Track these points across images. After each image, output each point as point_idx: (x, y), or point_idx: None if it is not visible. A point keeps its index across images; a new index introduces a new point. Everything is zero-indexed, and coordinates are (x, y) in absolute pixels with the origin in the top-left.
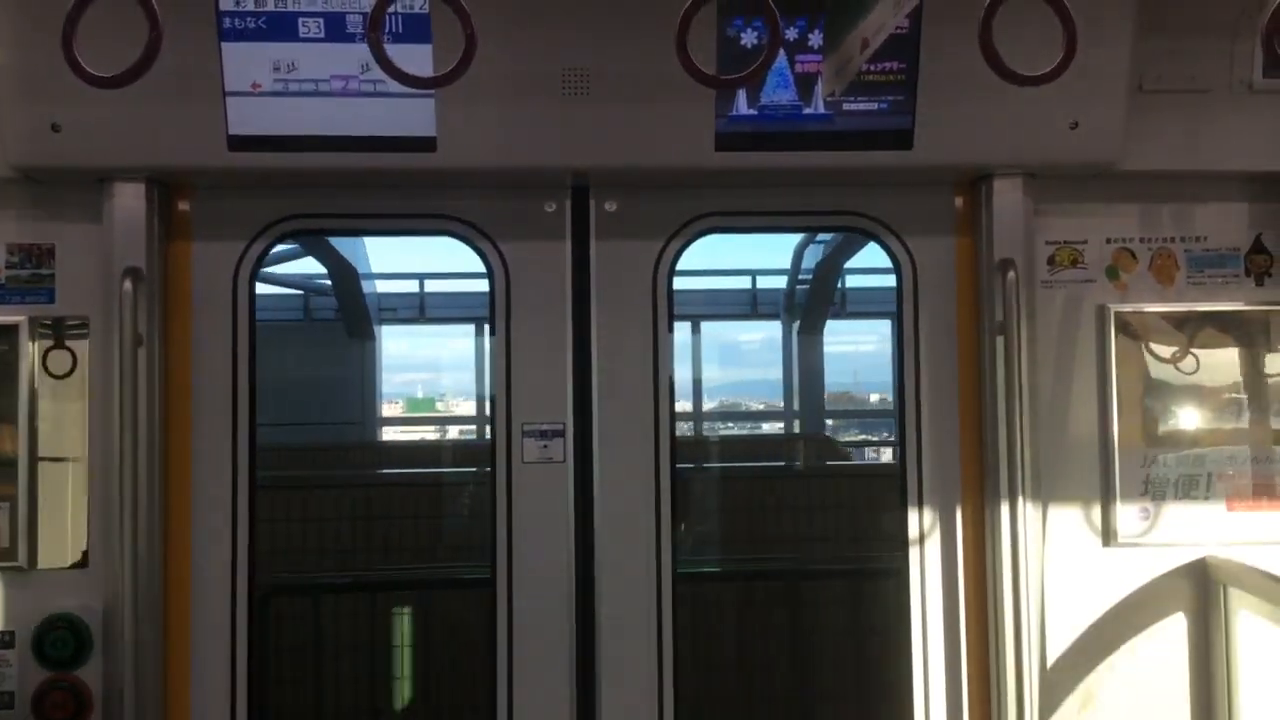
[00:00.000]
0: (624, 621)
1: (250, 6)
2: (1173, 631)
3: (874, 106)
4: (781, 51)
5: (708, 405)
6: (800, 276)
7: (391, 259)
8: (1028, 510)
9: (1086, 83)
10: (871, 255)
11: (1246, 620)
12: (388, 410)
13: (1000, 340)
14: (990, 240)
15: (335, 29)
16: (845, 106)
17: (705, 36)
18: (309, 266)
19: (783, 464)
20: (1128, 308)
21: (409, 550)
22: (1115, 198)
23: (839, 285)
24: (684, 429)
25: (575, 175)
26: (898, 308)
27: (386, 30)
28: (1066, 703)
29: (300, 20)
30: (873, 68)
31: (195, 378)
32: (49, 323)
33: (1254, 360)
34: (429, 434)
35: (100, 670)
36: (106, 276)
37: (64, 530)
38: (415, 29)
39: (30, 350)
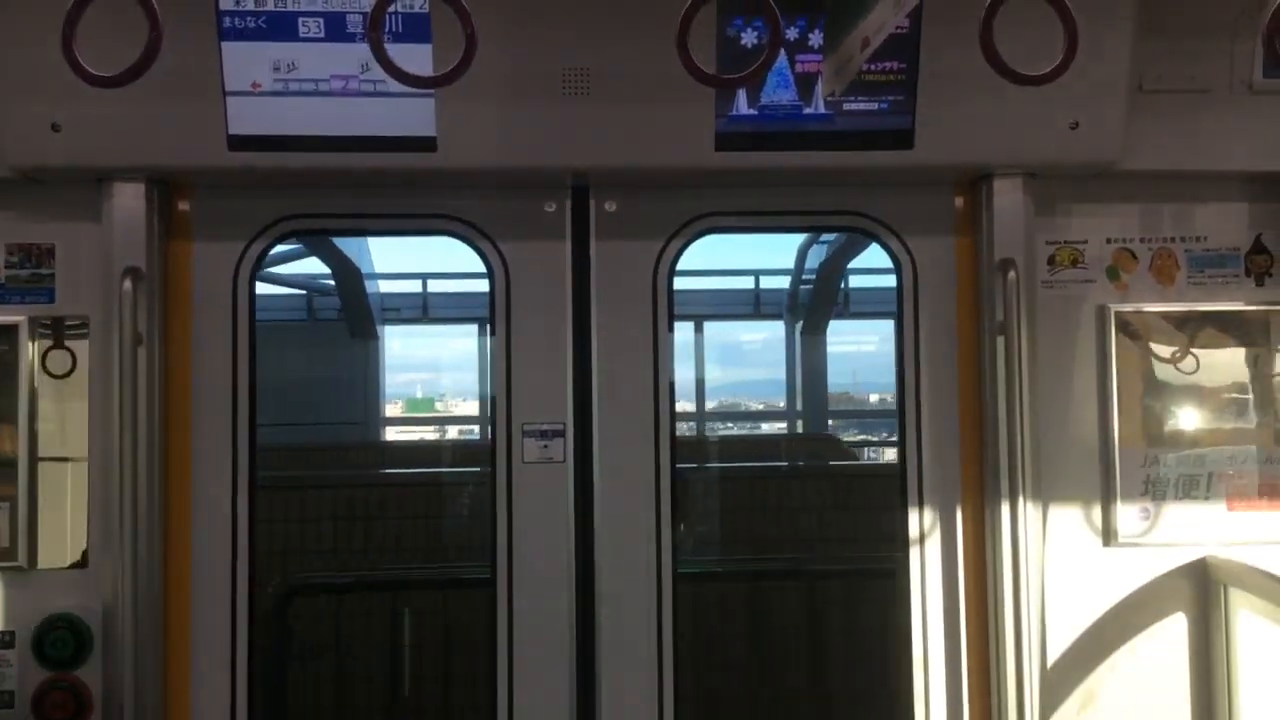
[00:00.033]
0: (624, 621)
1: (250, 6)
2: (1173, 631)
3: (874, 106)
4: (782, 51)
5: (711, 405)
6: (804, 276)
7: (395, 259)
8: (1028, 510)
9: (1087, 83)
10: (875, 255)
11: (1247, 620)
12: (391, 411)
13: (1000, 340)
14: (991, 240)
15: (335, 29)
16: (845, 106)
17: (705, 36)
18: (312, 267)
19: (789, 464)
20: (1128, 308)
21: (424, 550)
22: (1115, 198)
23: (842, 285)
24: (687, 429)
25: (575, 175)
26: (898, 308)
27: (386, 30)
28: (1067, 702)
29: (300, 20)
30: (873, 67)
31: (195, 377)
32: (49, 322)
33: (1254, 360)
34: (430, 434)
35: (100, 670)
36: (106, 276)
37: (64, 530)
38: (415, 28)
39: (30, 350)
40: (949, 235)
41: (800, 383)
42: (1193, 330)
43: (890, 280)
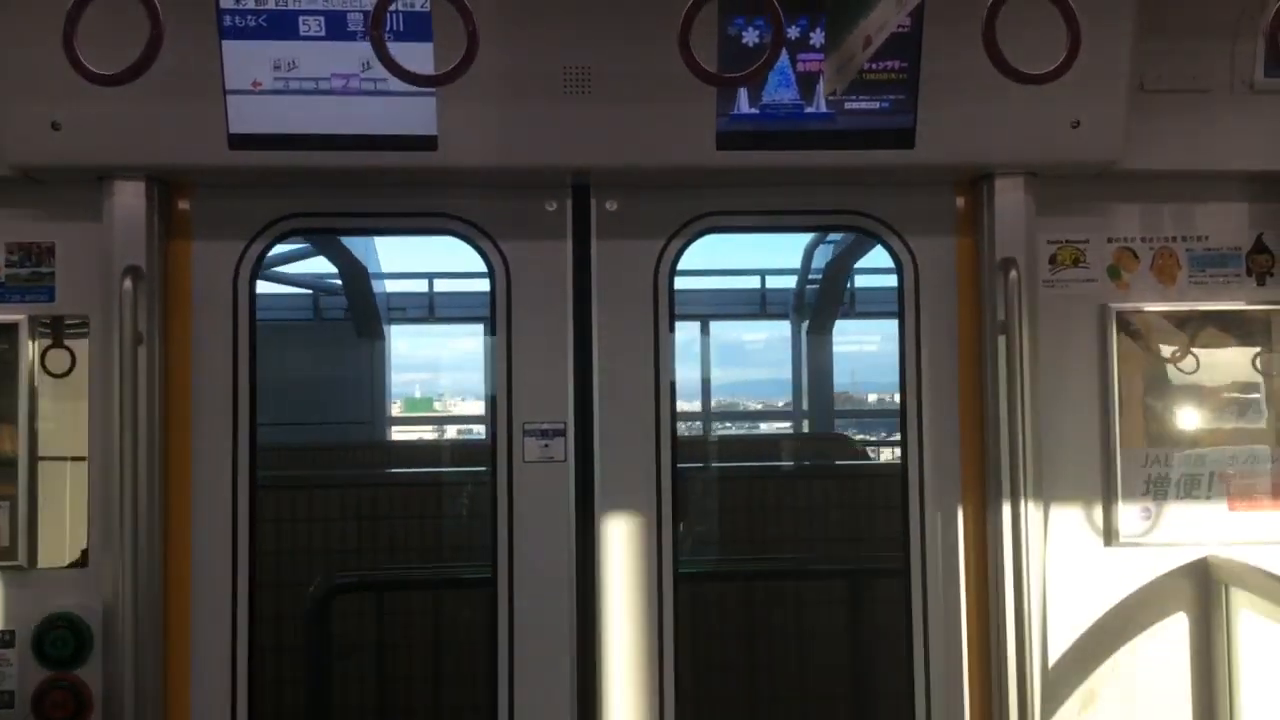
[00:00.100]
0: (625, 621)
1: (251, 5)
2: (1174, 631)
3: (875, 105)
4: (783, 50)
5: (716, 405)
6: (810, 276)
7: (401, 258)
8: (1029, 509)
9: (1088, 82)
10: (881, 255)
11: (1248, 620)
12: (398, 410)
13: (1002, 340)
14: (992, 239)
15: (336, 27)
16: (847, 105)
17: (706, 35)
18: (317, 266)
19: (802, 463)
20: (1129, 307)
21: (447, 548)
22: (1117, 197)
23: (848, 285)
24: (693, 428)
25: (576, 174)
26: (899, 307)
27: (387, 29)
28: (1068, 702)
29: (301, 18)
30: (874, 67)
31: (195, 377)
32: (48, 322)
33: (1255, 360)
34: (439, 433)
35: (100, 670)
36: (106, 275)
37: (64, 530)
38: (416, 27)
39: (30, 349)
40: (950, 235)
41: (806, 383)
42: (1194, 330)
43: (894, 280)
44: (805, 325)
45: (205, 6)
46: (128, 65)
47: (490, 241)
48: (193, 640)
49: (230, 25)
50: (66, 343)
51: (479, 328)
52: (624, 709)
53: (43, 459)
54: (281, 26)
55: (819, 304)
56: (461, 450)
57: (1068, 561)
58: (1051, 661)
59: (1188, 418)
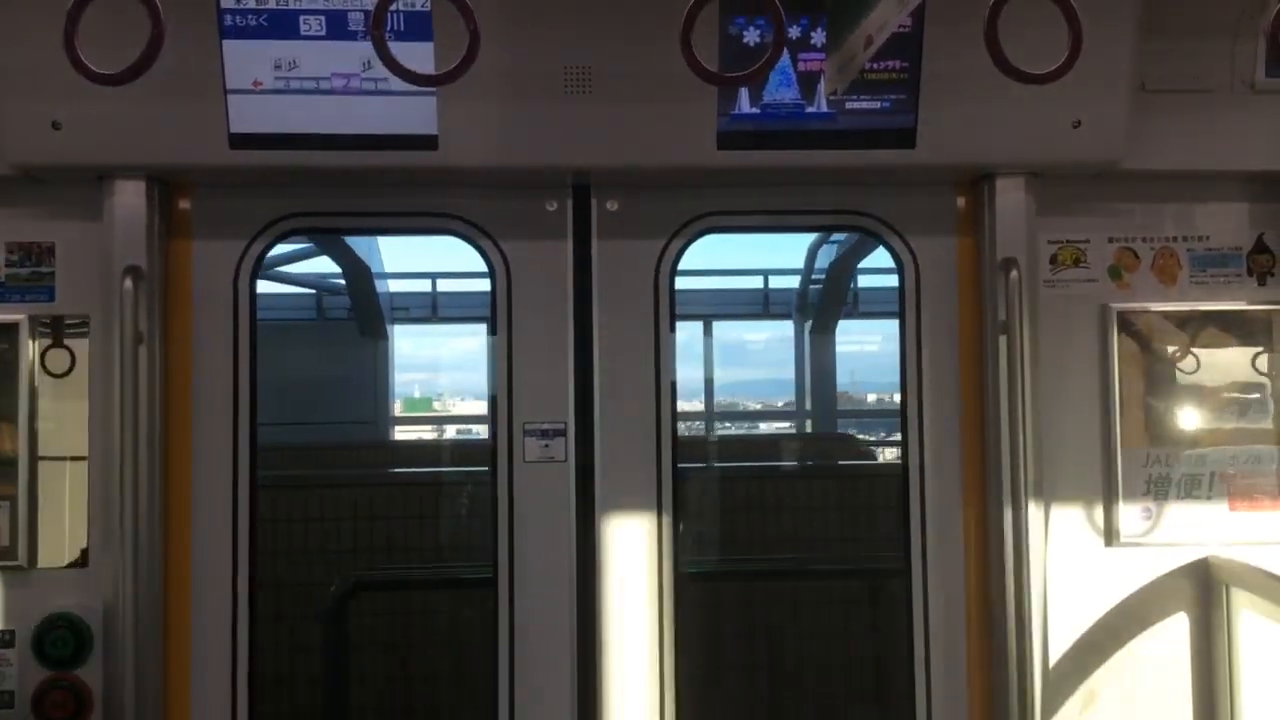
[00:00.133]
0: (625, 621)
1: (251, 4)
2: (1175, 631)
3: (876, 105)
4: (784, 50)
5: (719, 405)
6: (813, 276)
7: (404, 258)
8: (1030, 510)
9: (1089, 82)
10: (884, 255)
11: (1249, 620)
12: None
13: (1003, 340)
14: (993, 239)
15: (337, 27)
16: (848, 105)
17: (708, 35)
18: (321, 266)
19: (807, 463)
20: (1130, 307)
21: (456, 548)
22: (1118, 197)
23: (851, 285)
24: (697, 428)
25: (577, 174)
26: (900, 307)
27: (388, 28)
28: (1069, 702)
29: (301, 18)
30: (875, 66)
31: (196, 377)
32: (48, 321)
33: (1256, 360)
34: (433, 433)
35: (100, 670)
36: (107, 275)
37: (64, 530)
38: (417, 27)
39: (30, 349)
40: (951, 235)
41: (809, 383)
42: (1195, 330)
43: (897, 280)
44: (808, 325)
45: (206, 6)
46: (128, 65)
47: (491, 241)
48: (193, 640)
49: (231, 25)
50: (66, 342)
51: (482, 327)
52: (624, 709)
53: (43, 459)
54: (282, 26)
55: (822, 304)
56: (467, 450)
57: (1068, 561)
58: (1052, 661)
59: (1188, 418)
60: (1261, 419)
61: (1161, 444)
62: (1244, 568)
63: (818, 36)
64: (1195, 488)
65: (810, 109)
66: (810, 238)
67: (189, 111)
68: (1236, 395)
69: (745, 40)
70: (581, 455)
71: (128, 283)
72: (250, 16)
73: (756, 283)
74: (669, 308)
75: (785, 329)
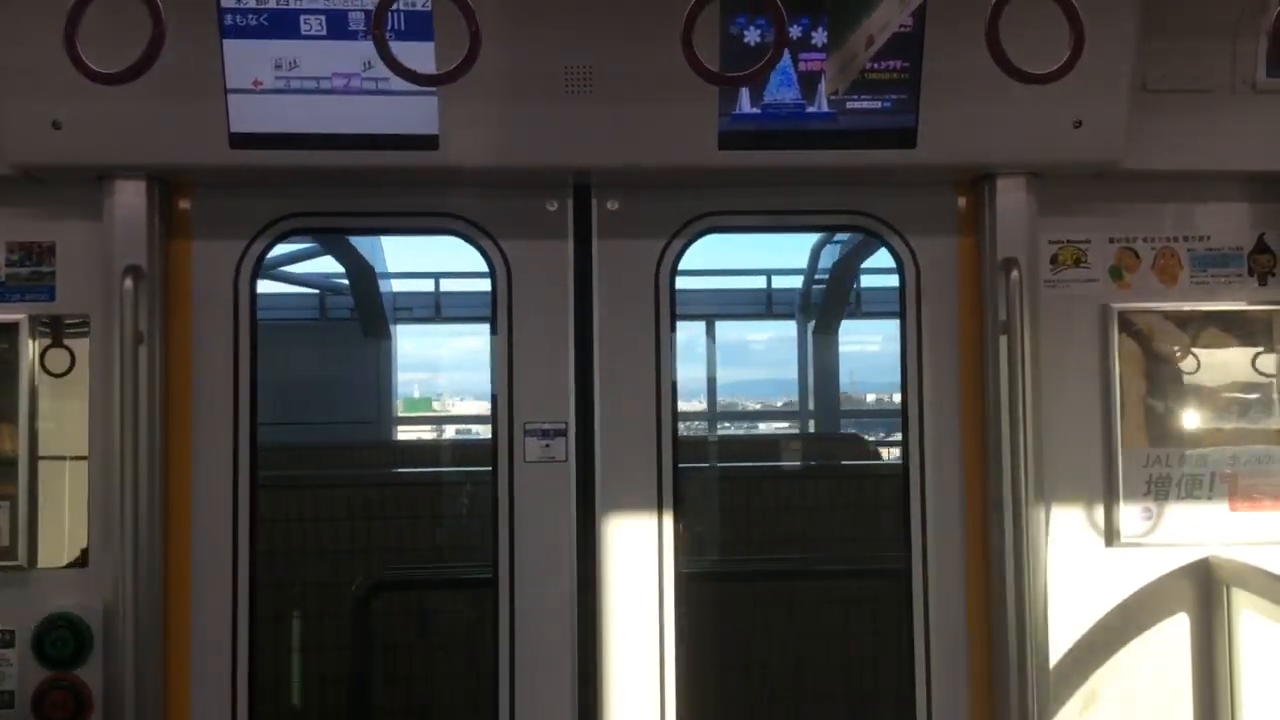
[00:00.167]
0: (626, 621)
1: (252, 4)
2: (1176, 631)
3: (877, 105)
4: (785, 50)
5: (722, 405)
6: (816, 276)
7: (407, 258)
8: (1031, 510)
9: (1090, 82)
10: (887, 255)
11: (1249, 620)
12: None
13: (1003, 340)
14: (993, 239)
15: (337, 26)
16: (848, 105)
17: (709, 34)
18: (323, 265)
19: (815, 463)
20: (1131, 307)
21: (466, 547)
22: (1118, 197)
23: (854, 285)
24: (700, 428)
25: (577, 174)
26: (901, 307)
27: (389, 28)
28: (1070, 702)
29: (302, 17)
30: (876, 66)
31: (196, 376)
32: (48, 321)
33: (1257, 360)
34: (435, 433)
35: (100, 670)
36: (107, 275)
37: (64, 530)
38: (417, 26)
39: (30, 349)
40: (952, 235)
41: (812, 383)
42: (1195, 330)
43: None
44: (811, 325)
45: (206, 5)
46: (129, 64)
47: (491, 241)
48: (193, 640)
49: (231, 24)
50: (66, 342)
51: (485, 327)
52: (625, 709)
53: (43, 458)
54: (283, 25)
55: (825, 304)
56: (472, 450)
57: (1069, 562)
58: (1053, 662)
59: (1189, 418)
60: (1262, 419)
61: (1162, 444)
62: (1245, 568)
63: (819, 36)
64: (1196, 488)
65: (811, 109)
66: (813, 238)
67: (189, 111)
68: (1237, 395)
69: (746, 40)
70: (582, 455)
71: (128, 282)
72: (251, 16)
73: (759, 283)
74: (669, 307)
75: (788, 329)
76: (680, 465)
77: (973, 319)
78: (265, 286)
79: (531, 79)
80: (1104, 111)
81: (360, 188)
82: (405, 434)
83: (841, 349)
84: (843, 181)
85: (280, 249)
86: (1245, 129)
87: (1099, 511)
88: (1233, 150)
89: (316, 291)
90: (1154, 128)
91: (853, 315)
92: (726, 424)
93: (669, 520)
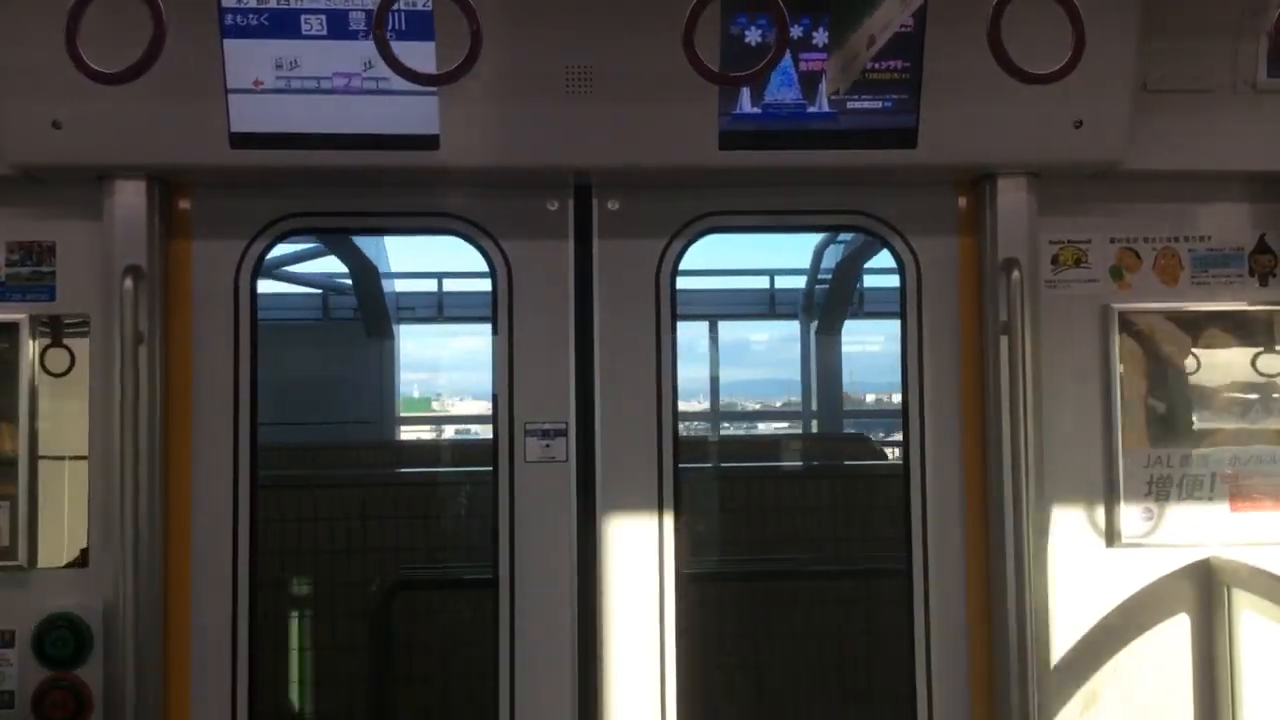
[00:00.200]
0: (626, 621)
1: (253, 3)
2: (1177, 632)
3: (878, 105)
4: (786, 49)
5: (725, 405)
6: (820, 276)
7: (410, 258)
8: (1031, 510)
9: (1090, 82)
10: (890, 256)
11: (1250, 621)
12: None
13: (1004, 340)
14: (994, 240)
15: (338, 26)
16: (849, 105)
17: (709, 34)
18: (324, 265)
19: (823, 463)
20: (1132, 308)
21: (472, 547)
22: (1119, 197)
23: (857, 285)
24: (702, 428)
25: (578, 174)
26: (901, 307)
27: (390, 28)
28: (1070, 703)
29: (303, 17)
30: (876, 66)
31: (196, 376)
32: (48, 321)
33: (1258, 360)
34: (438, 433)
35: (100, 670)
36: (107, 274)
37: (64, 530)
38: (418, 26)
39: (30, 349)
40: (952, 235)
41: (815, 383)
42: (1196, 330)
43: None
44: (814, 325)
45: (207, 5)
46: (130, 64)
47: (492, 241)
48: (193, 640)
49: (232, 24)
50: (66, 342)
51: (488, 327)
52: (625, 709)
53: (43, 458)
54: (283, 25)
55: (828, 304)
56: (476, 450)
57: (1070, 562)
58: (1053, 662)
59: (1190, 418)
60: (1263, 419)
61: (1163, 444)
62: (1245, 569)
63: (819, 36)
64: (1197, 488)
65: (812, 109)
66: (816, 238)
67: (189, 111)
68: (1238, 396)
69: (747, 40)
70: (582, 455)
71: (128, 282)
72: (251, 16)
73: (763, 283)
74: (670, 307)
75: (791, 329)
76: (686, 466)
77: (973, 319)
78: (268, 286)
79: (532, 79)
80: (1105, 111)
81: (361, 188)
82: (408, 434)
83: (844, 349)
84: (843, 181)
85: (284, 249)
86: (1246, 129)
87: (1100, 512)
88: (1233, 150)
89: (320, 291)
90: (1155, 128)
91: (855, 315)
92: (728, 424)
93: (669, 520)
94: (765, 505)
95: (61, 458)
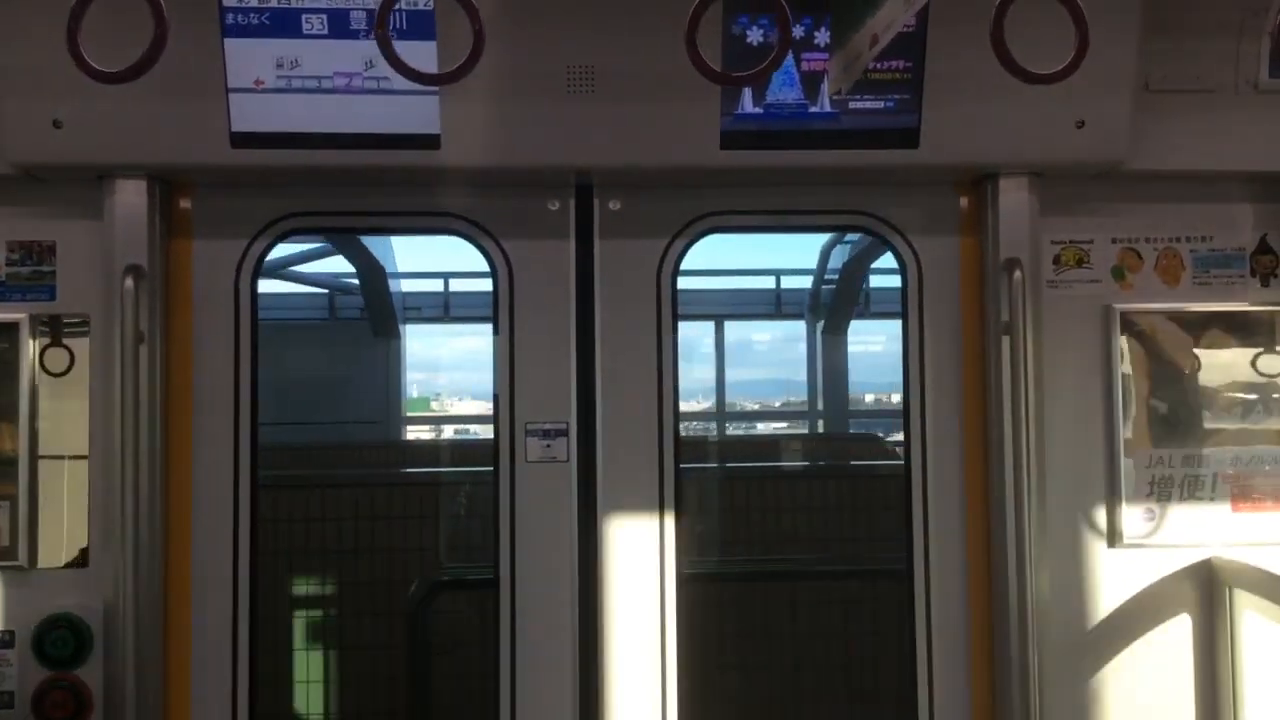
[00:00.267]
0: (627, 622)
1: (254, 3)
2: (1178, 633)
3: (880, 105)
4: (789, 49)
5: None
6: (826, 276)
7: (416, 258)
8: (1033, 510)
9: (1092, 82)
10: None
11: (1252, 621)
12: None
13: (1005, 340)
14: (996, 240)
15: (339, 25)
16: (851, 105)
17: (711, 34)
18: (330, 265)
19: (816, 463)
20: (1133, 308)
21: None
22: (1121, 197)
23: (863, 286)
24: (709, 428)
25: (579, 174)
26: (903, 307)
27: (391, 27)
28: (1071, 704)
29: (304, 16)
30: (878, 66)
31: (196, 376)
32: (48, 320)
33: (1259, 361)
34: (442, 434)
35: (100, 670)
36: (107, 274)
37: (64, 530)
38: (419, 26)
39: (31, 348)
40: (954, 235)
41: (821, 383)
42: (1198, 331)
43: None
44: (820, 325)
45: (208, 4)
46: (131, 63)
47: (493, 241)
48: (193, 640)
49: (233, 23)
50: (66, 342)
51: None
52: (626, 709)
53: (42, 458)
54: (284, 24)
55: (835, 304)
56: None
57: (1071, 563)
58: (1055, 663)
59: (1191, 419)
60: (1264, 420)
61: (1164, 445)
62: (1247, 569)
63: (821, 36)
64: (1198, 489)
65: (813, 109)
66: (821, 238)
67: (190, 110)
68: (1240, 396)
69: (749, 40)
70: (583, 455)
71: (128, 282)
72: (252, 15)
73: (769, 283)
74: (671, 307)
75: (798, 329)
76: (695, 466)
77: (975, 319)
78: (275, 286)
79: (533, 78)
80: (1106, 112)
81: (361, 187)
82: (414, 434)
83: (851, 349)
84: (844, 181)
85: (292, 248)
86: (1248, 129)
87: (1101, 512)
88: (1235, 151)
89: (326, 291)
90: (1156, 128)
91: (861, 315)
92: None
93: (670, 521)
94: (777, 505)
95: (61, 457)
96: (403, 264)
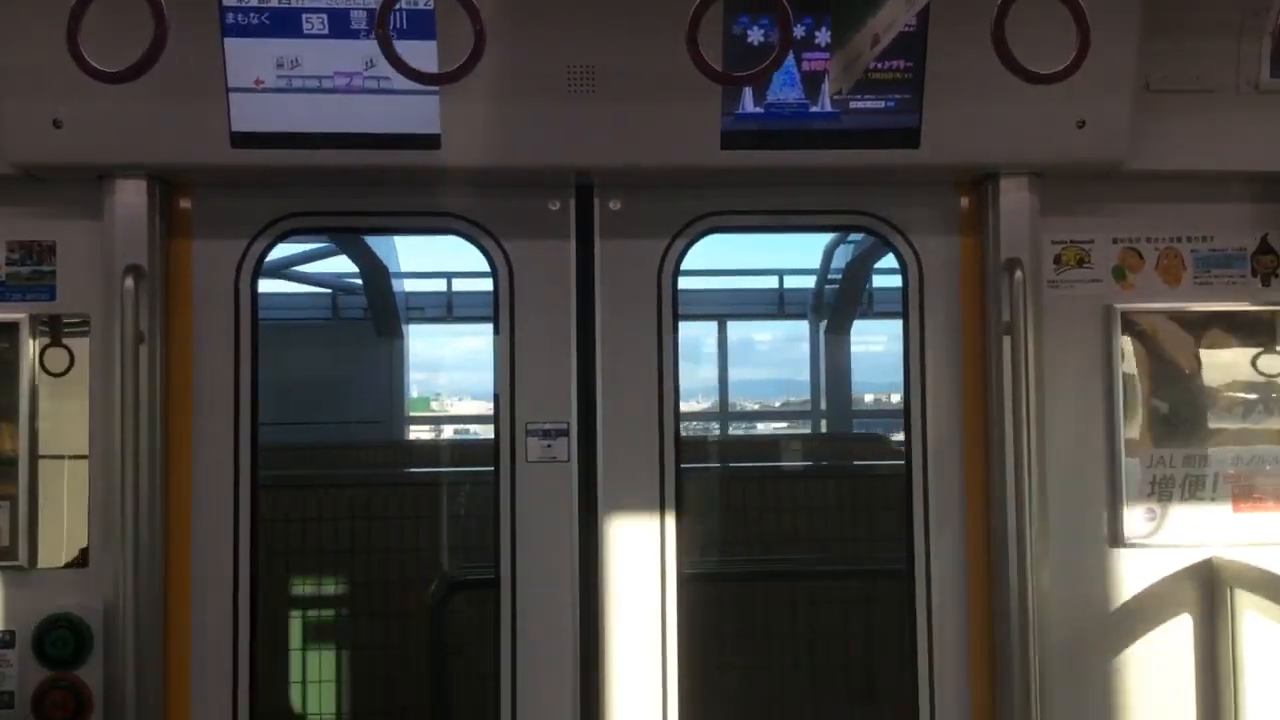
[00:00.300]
0: (628, 621)
1: (254, 2)
2: (1179, 633)
3: (880, 105)
4: (790, 49)
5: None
6: (829, 276)
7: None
8: (1034, 511)
9: (1093, 82)
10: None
11: (1253, 621)
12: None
13: (1006, 340)
14: (996, 240)
15: (339, 25)
16: (852, 105)
17: (712, 34)
18: (333, 265)
19: (819, 463)
20: (1134, 308)
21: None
22: (1122, 197)
23: (867, 286)
24: (710, 428)
25: (580, 174)
26: (904, 307)
27: (391, 26)
28: (1072, 704)
29: (304, 16)
30: (879, 66)
31: (196, 376)
32: (47, 320)
33: (1260, 360)
34: (442, 433)
35: (100, 670)
36: (108, 274)
37: (64, 530)
38: (420, 25)
39: (31, 348)
40: (955, 235)
41: (824, 382)
42: (1199, 330)
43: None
44: (824, 325)
45: (208, 4)
46: (131, 63)
47: (493, 241)
48: (193, 640)
49: (233, 23)
50: (66, 342)
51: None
52: (627, 709)
53: (42, 458)
54: (284, 24)
55: (838, 304)
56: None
57: (1072, 563)
58: (1056, 663)
59: (1192, 419)
60: (1265, 419)
61: (1165, 445)
62: (1248, 569)
63: (822, 36)
64: (1199, 489)
65: (814, 109)
66: (824, 238)
67: (190, 110)
68: (1240, 396)
69: (750, 39)
70: (584, 455)
71: (128, 282)
72: (252, 15)
73: (771, 283)
74: (672, 307)
75: (800, 329)
76: (698, 466)
77: (975, 319)
78: (278, 286)
79: (533, 78)
80: (1107, 112)
81: (362, 187)
82: (416, 433)
83: (854, 349)
84: (845, 181)
85: (295, 248)
86: (1248, 129)
87: (1102, 512)
88: (1236, 151)
89: (330, 291)
90: (1157, 128)
91: (864, 315)
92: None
93: (671, 521)
94: (778, 505)
95: (61, 457)
96: (406, 264)
